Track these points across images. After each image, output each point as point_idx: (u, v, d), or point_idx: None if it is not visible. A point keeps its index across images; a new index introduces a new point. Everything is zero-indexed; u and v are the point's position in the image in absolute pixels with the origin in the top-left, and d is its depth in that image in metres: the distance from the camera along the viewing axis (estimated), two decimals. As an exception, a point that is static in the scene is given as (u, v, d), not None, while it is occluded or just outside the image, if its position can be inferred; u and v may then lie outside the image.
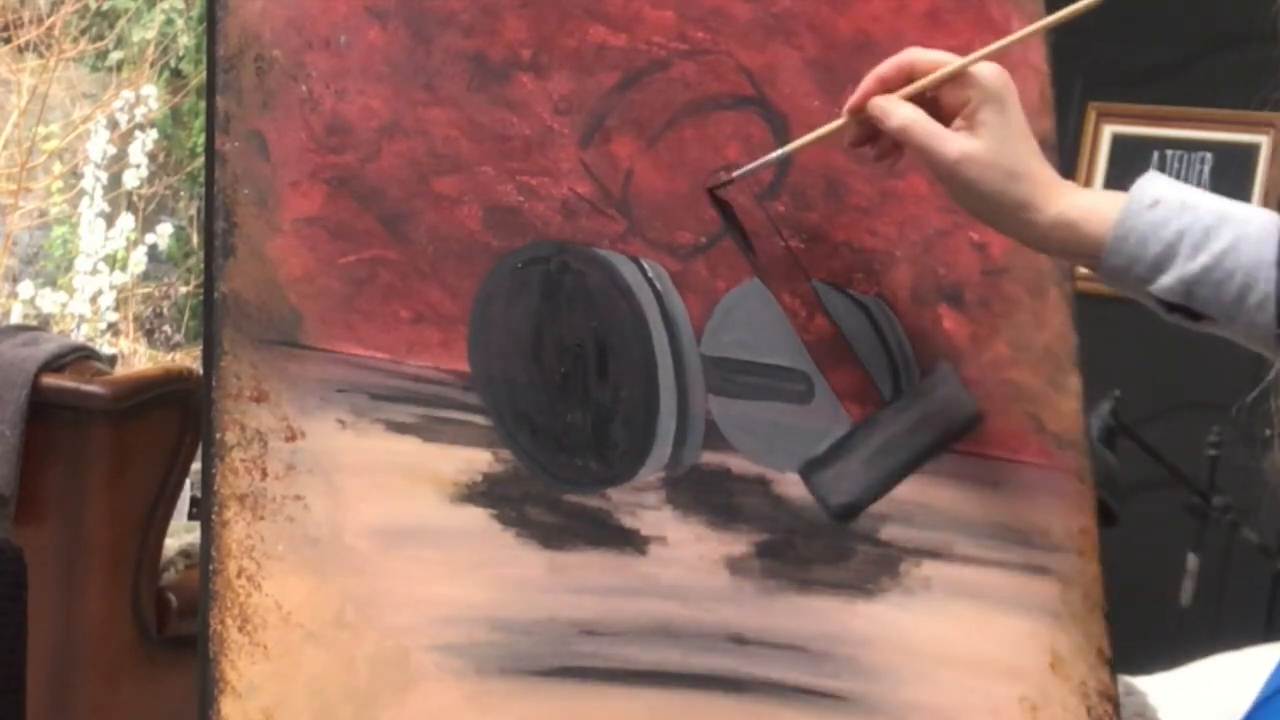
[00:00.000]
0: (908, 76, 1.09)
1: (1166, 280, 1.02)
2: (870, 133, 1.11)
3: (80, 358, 2.69)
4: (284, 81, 1.10)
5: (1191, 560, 3.09)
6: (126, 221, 4.52)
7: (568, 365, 1.14)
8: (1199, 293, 1.01)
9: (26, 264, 5.08)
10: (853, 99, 1.10)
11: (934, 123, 1.06)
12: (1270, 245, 0.98)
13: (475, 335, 1.12)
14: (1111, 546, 1.25)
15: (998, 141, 1.05)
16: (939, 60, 1.08)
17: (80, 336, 4.30)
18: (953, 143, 1.05)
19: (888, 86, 1.09)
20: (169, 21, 5.24)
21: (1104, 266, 1.05)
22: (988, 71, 1.07)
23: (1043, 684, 1.20)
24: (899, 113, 1.07)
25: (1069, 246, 1.07)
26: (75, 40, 4.98)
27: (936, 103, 1.08)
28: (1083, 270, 1.14)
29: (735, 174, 1.18)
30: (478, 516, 1.09)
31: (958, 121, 1.07)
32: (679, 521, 1.14)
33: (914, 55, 1.09)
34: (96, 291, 4.45)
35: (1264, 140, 3.28)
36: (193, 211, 5.39)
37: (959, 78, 1.07)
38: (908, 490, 1.20)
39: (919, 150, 1.07)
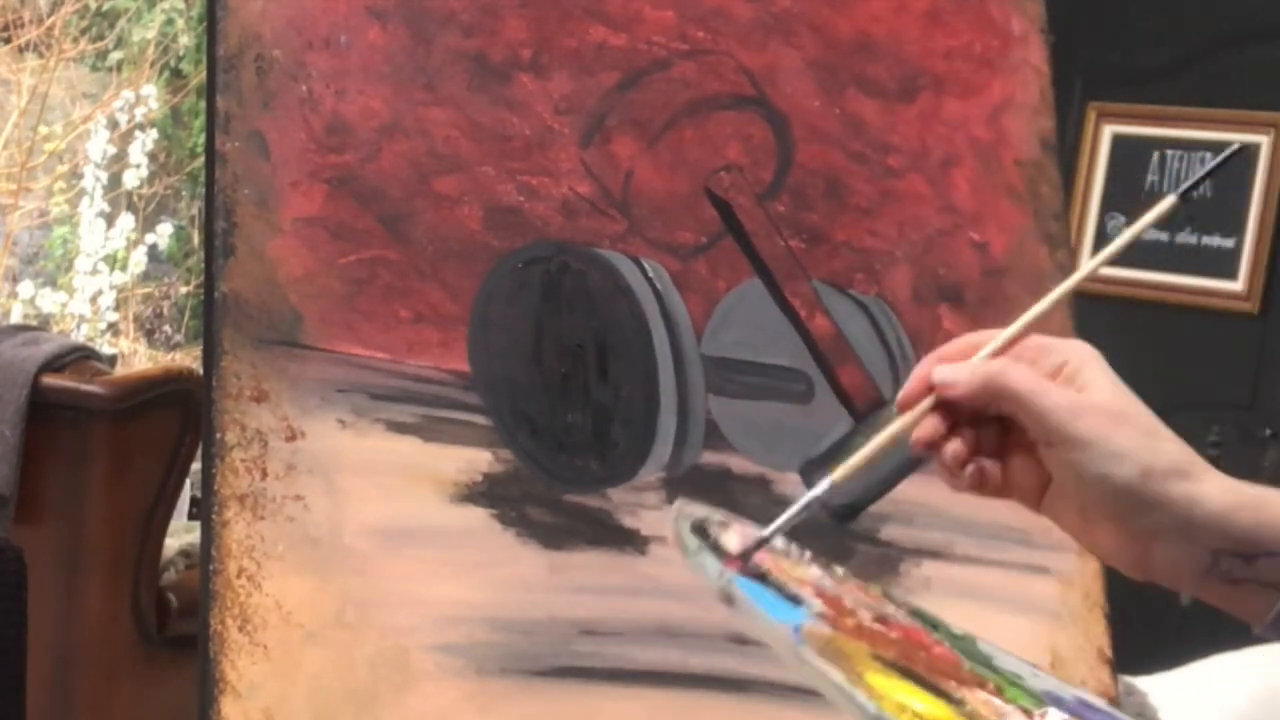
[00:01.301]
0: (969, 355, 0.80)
1: None
2: (941, 430, 0.79)
3: (80, 358, 2.69)
4: (284, 81, 1.10)
5: (1192, 560, 3.09)
6: (126, 221, 4.52)
7: (568, 365, 1.14)
8: None
9: (26, 264, 5.08)
10: (906, 388, 0.79)
11: (1027, 368, 0.77)
12: None
13: (475, 335, 1.12)
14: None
15: (1117, 394, 0.76)
16: (993, 335, 0.80)
17: (80, 336, 4.29)
18: (1060, 391, 0.76)
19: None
20: (169, 21, 5.24)
21: None
22: (1070, 341, 0.80)
23: (1043, 684, 1.20)
24: (974, 369, 0.77)
25: (1248, 545, 0.74)
26: (75, 40, 4.98)
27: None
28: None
29: (767, 532, 0.83)
30: (478, 516, 1.09)
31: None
32: (679, 521, 1.14)
33: (974, 336, 0.81)
34: (96, 291, 4.45)
35: (1264, 140, 3.28)
36: (193, 211, 5.39)
37: (1041, 348, 0.79)
38: (909, 490, 1.20)
39: (1018, 403, 0.76)
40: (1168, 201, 0.82)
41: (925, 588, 1.19)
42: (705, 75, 1.21)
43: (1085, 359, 0.78)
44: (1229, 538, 0.74)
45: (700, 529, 0.81)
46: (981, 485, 0.79)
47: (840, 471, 0.82)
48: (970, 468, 0.78)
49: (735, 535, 0.82)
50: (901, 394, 0.80)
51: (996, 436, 0.79)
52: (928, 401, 0.78)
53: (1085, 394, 0.76)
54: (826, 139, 1.22)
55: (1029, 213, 1.26)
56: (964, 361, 0.78)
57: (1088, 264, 0.83)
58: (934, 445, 0.79)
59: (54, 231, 5.07)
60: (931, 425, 0.78)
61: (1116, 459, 0.75)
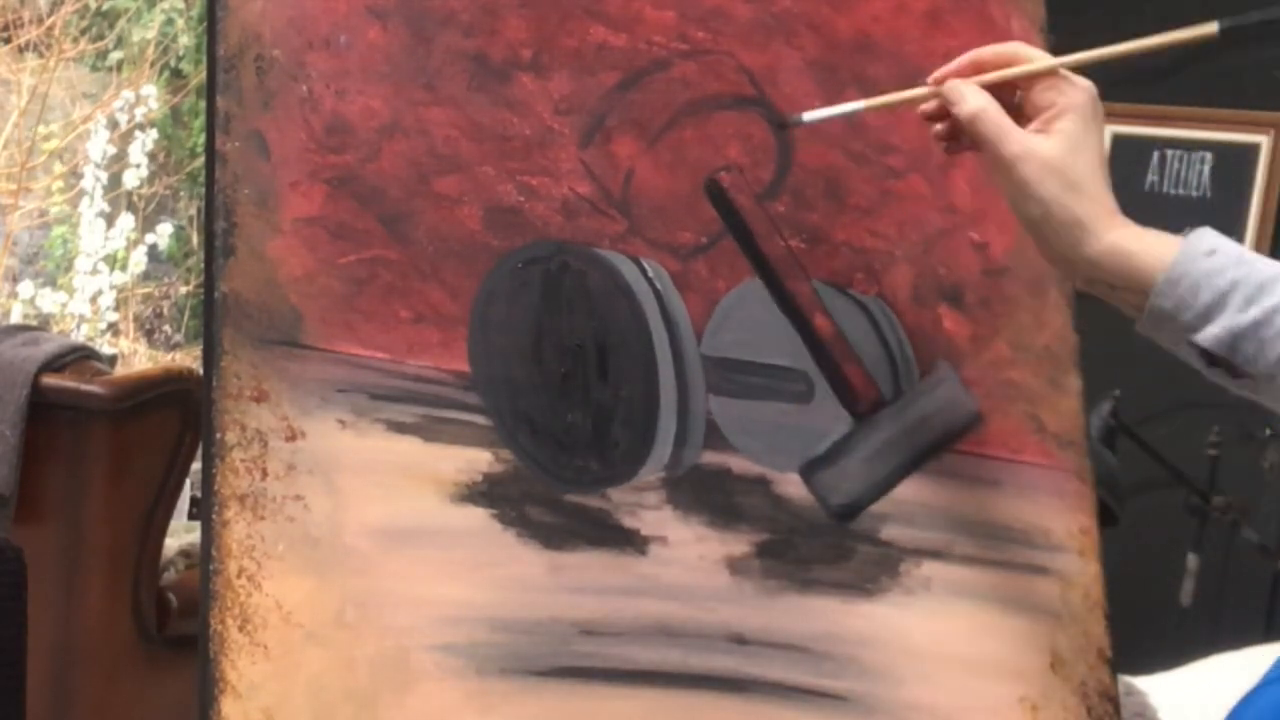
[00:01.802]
0: (1004, 65, 1.05)
1: (1213, 330, 0.96)
2: (945, 110, 1.07)
3: (80, 358, 2.69)
4: (284, 81, 1.10)
5: (1191, 560, 3.09)
6: (126, 221, 4.52)
7: (568, 365, 1.14)
8: (1243, 347, 0.96)
9: (26, 264, 5.08)
10: (941, 70, 1.07)
11: (1004, 116, 1.02)
12: None
13: (475, 335, 1.12)
14: (1111, 546, 1.25)
15: (1069, 150, 1.00)
16: (1035, 55, 1.05)
17: (80, 336, 4.29)
18: (1017, 140, 1.01)
19: (979, 69, 1.06)
20: (169, 21, 5.24)
21: (1149, 308, 0.99)
22: (1081, 83, 1.03)
23: (1043, 684, 1.20)
24: (972, 100, 1.03)
25: (1116, 279, 1.01)
26: (75, 40, 4.98)
27: (1027, 98, 1.04)
28: None
29: (806, 117, 1.15)
30: (478, 516, 1.09)
31: (1035, 124, 1.03)
32: (679, 521, 1.14)
33: (1015, 48, 1.06)
34: (96, 291, 4.45)
35: (1264, 140, 3.28)
36: (193, 211, 5.39)
37: (1051, 81, 1.03)
38: (908, 490, 1.20)
39: (983, 140, 1.03)
40: (1210, 26, 1.04)
41: (925, 588, 1.19)
42: (705, 75, 1.21)
43: (1068, 110, 1.01)
44: (1098, 274, 1.01)
45: None
46: (953, 140, 1.08)
47: (882, 100, 1.12)
48: (940, 127, 1.07)
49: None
50: (937, 73, 1.06)
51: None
52: (930, 91, 1.07)
53: (1041, 142, 1.00)
54: (826, 139, 1.22)
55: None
56: (972, 84, 1.03)
57: (1122, 46, 1.07)
58: (933, 118, 1.08)
59: (54, 231, 5.07)
60: (937, 106, 1.07)
61: (1031, 202, 1.01)
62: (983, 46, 1.06)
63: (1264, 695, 0.73)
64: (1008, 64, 1.05)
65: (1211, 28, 1.03)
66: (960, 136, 1.07)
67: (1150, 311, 0.99)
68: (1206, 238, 1.00)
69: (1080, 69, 1.05)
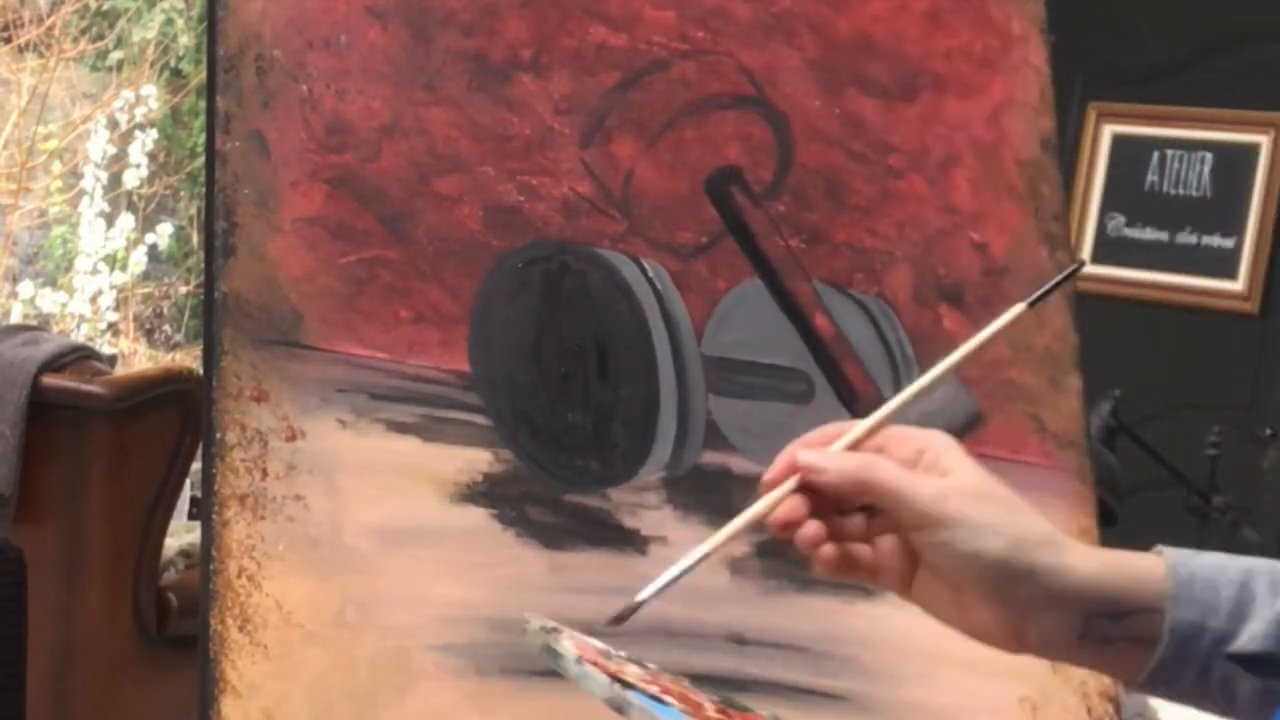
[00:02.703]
0: (829, 442, 0.81)
1: (1255, 626, 0.76)
2: (802, 514, 0.80)
3: (80, 358, 2.68)
4: (284, 81, 1.10)
5: (1191, 560, 3.09)
6: (126, 221, 4.52)
7: (568, 365, 1.14)
8: None
9: (26, 264, 5.07)
10: (770, 471, 0.80)
11: (893, 463, 0.79)
12: None
13: (475, 335, 1.12)
14: (1111, 546, 1.25)
15: (979, 478, 0.79)
16: (849, 426, 0.81)
17: (80, 336, 4.29)
18: (926, 481, 0.78)
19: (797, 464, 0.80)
20: (169, 21, 5.24)
21: (1171, 626, 0.77)
22: (928, 431, 0.82)
23: (1043, 684, 1.20)
24: (845, 458, 0.79)
25: (1120, 596, 0.78)
26: (75, 40, 4.98)
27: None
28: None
29: (639, 598, 0.87)
30: (478, 516, 1.09)
31: (919, 471, 0.80)
32: (679, 521, 1.14)
33: (832, 427, 0.82)
34: (96, 291, 4.44)
35: (1264, 140, 3.28)
36: (193, 211, 5.39)
37: (896, 436, 0.81)
38: (908, 490, 1.19)
39: (886, 494, 0.78)
40: (1018, 309, 0.87)
41: (925, 588, 1.19)
42: (705, 75, 1.21)
43: (944, 447, 0.80)
44: (1099, 600, 0.77)
45: (548, 648, 0.85)
46: (849, 569, 0.81)
47: (707, 548, 0.83)
48: (828, 548, 0.80)
49: (568, 641, 0.85)
50: (765, 476, 0.80)
51: (863, 522, 0.80)
52: (790, 483, 0.79)
53: (949, 479, 0.78)
54: (827, 139, 1.22)
55: (1029, 213, 1.26)
56: (828, 449, 0.79)
57: (935, 369, 0.86)
58: (791, 526, 0.79)
59: (54, 231, 5.07)
60: (792, 506, 0.79)
61: (986, 534, 0.77)
62: (789, 446, 0.80)
63: None
64: (835, 437, 0.81)
65: (1019, 308, 0.88)
66: (849, 532, 0.80)
67: (1172, 633, 0.77)
68: (1168, 550, 0.81)
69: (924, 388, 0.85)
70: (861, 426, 0.81)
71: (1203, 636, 0.77)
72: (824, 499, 0.79)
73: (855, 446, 0.80)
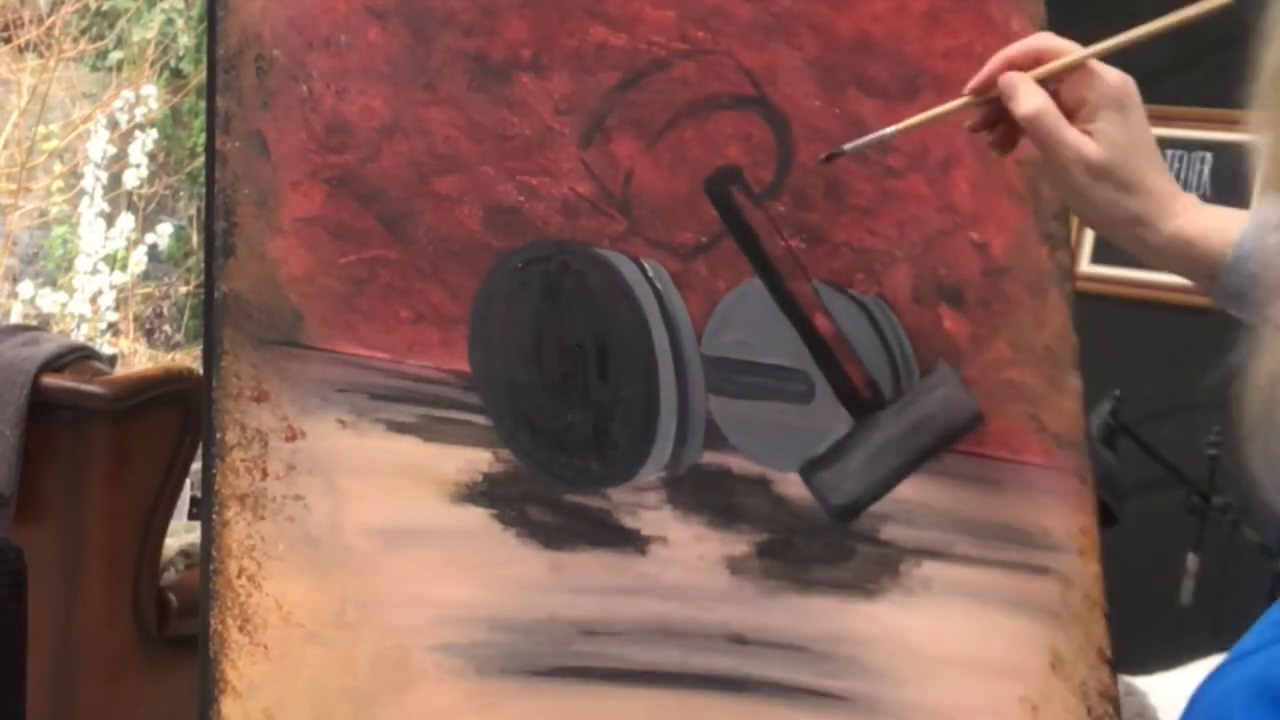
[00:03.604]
0: (1035, 61, 1.03)
1: None
2: (991, 116, 1.05)
3: (80, 358, 2.69)
4: (284, 81, 1.10)
5: (1191, 560, 3.09)
6: (126, 221, 4.52)
7: (568, 365, 1.14)
8: None
9: (26, 264, 5.08)
10: (977, 78, 1.05)
11: (1060, 117, 1.00)
12: None
13: (475, 335, 1.12)
14: (1111, 546, 1.25)
15: (1115, 150, 1.00)
16: (1066, 48, 1.03)
17: (80, 336, 4.29)
18: (1068, 144, 1.00)
19: (1012, 69, 1.04)
20: (169, 21, 5.24)
21: (1219, 287, 0.99)
22: (1111, 74, 1.02)
23: (1043, 684, 1.20)
24: (1030, 99, 1.01)
25: (1184, 265, 1.01)
26: (75, 40, 4.98)
27: (1057, 97, 1.02)
28: (1083, 270, 1.10)
29: (847, 147, 1.13)
30: (478, 516, 1.09)
31: (1076, 123, 1.01)
32: (679, 521, 1.14)
33: (1043, 40, 1.04)
34: (96, 291, 4.45)
35: (1264, 140, 3.27)
36: (193, 211, 5.39)
37: (1081, 76, 1.01)
38: (908, 490, 1.20)
39: (1041, 142, 1.01)
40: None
41: (925, 588, 1.19)
42: (705, 75, 1.21)
43: (1104, 104, 1.00)
44: (1164, 266, 1.02)
45: None
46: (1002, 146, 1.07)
47: (916, 119, 1.09)
48: (990, 132, 1.06)
49: None
50: (973, 82, 1.05)
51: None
52: (969, 100, 1.05)
53: (1087, 145, 0.99)
54: (827, 139, 1.22)
55: (1029, 213, 1.26)
56: (1028, 79, 1.01)
57: (1146, 26, 1.06)
58: (979, 128, 1.06)
59: (54, 231, 5.07)
60: (981, 114, 1.06)
61: (1086, 205, 1.01)
62: (1009, 46, 1.04)
63: (1228, 675, 0.71)
64: (1038, 59, 1.03)
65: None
66: (1014, 136, 1.05)
67: (1221, 292, 0.98)
68: (1274, 212, 0.98)
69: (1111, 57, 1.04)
70: (1064, 61, 1.02)
71: (1244, 297, 0.96)
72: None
73: (1050, 77, 1.02)
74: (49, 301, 4.37)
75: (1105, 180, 1.00)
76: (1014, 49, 1.03)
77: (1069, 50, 1.03)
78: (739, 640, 1.14)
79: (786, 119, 1.22)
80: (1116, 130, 1.00)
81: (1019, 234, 1.27)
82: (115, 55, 5.30)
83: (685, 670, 1.12)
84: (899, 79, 1.26)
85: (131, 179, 4.60)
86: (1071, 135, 1.00)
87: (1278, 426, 0.68)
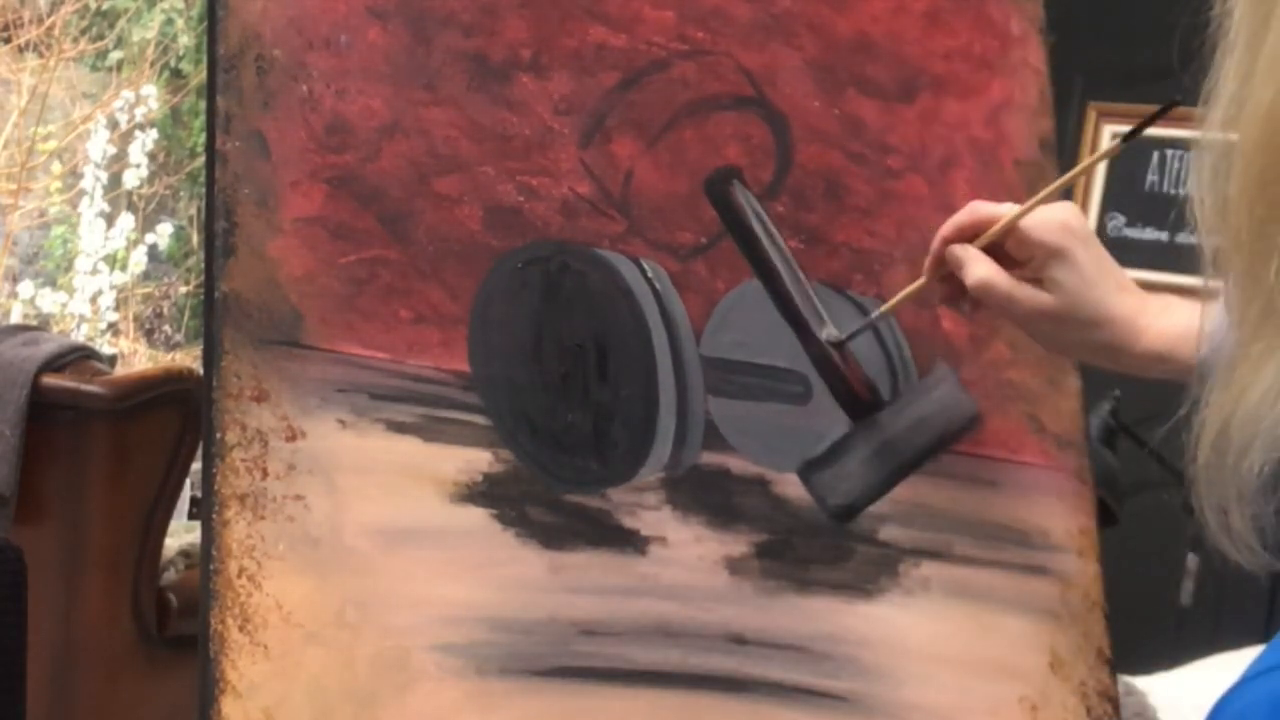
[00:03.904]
0: (973, 232, 1.06)
1: None
2: (957, 287, 1.07)
3: (80, 358, 2.69)
4: (284, 81, 1.10)
5: (1191, 560, 3.09)
6: (126, 221, 4.52)
7: (568, 365, 1.14)
8: None
9: (26, 264, 5.08)
10: (928, 260, 1.08)
11: (1006, 280, 1.03)
12: None
13: (475, 335, 1.12)
14: (1111, 546, 1.25)
15: (1068, 295, 1.02)
16: (997, 213, 1.04)
17: (80, 336, 4.29)
18: (1022, 303, 1.02)
19: (956, 241, 1.06)
20: (169, 21, 5.24)
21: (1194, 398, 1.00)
22: (1045, 227, 1.03)
23: (1043, 684, 1.20)
24: (974, 270, 1.03)
25: (1166, 374, 1.01)
26: (75, 40, 4.98)
27: (1005, 255, 1.05)
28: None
29: (846, 336, 1.16)
30: (478, 516, 1.09)
31: (1026, 273, 1.03)
32: (679, 522, 1.14)
33: (975, 209, 1.06)
34: (96, 291, 4.45)
35: (1264, 140, 3.27)
36: (193, 211, 5.39)
37: (1020, 234, 1.03)
38: (908, 490, 1.20)
39: (997, 307, 1.04)
40: (1115, 145, 1.10)
41: (924, 588, 1.19)
42: (705, 75, 1.21)
43: (1048, 257, 1.01)
44: (1144, 367, 1.03)
45: None
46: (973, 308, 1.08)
47: (894, 301, 1.12)
48: (968, 299, 1.06)
49: None
50: (927, 263, 1.07)
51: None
52: (929, 280, 1.08)
53: (1042, 299, 1.01)
54: (826, 139, 1.22)
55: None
56: (971, 250, 1.03)
57: (1076, 169, 1.12)
58: (950, 301, 1.09)
59: (54, 231, 5.07)
60: (947, 289, 1.08)
61: (1059, 348, 1.08)
62: (946, 222, 1.06)
63: (1250, 690, 0.72)
64: (975, 227, 1.05)
65: (1115, 146, 1.10)
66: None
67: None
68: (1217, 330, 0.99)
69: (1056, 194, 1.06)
70: (998, 227, 1.04)
71: None
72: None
73: (992, 242, 1.04)
74: (49, 301, 4.37)
75: (1065, 324, 1.02)
76: (950, 223, 1.06)
77: (1001, 215, 1.04)
78: (738, 640, 1.14)
79: (786, 119, 1.22)
80: (1064, 275, 1.02)
81: (1018, 234, 1.27)
82: (115, 55, 5.30)
83: (685, 670, 1.13)
84: (898, 79, 1.26)
85: (131, 179, 4.60)
86: (1023, 293, 1.02)
87: (1227, 475, 0.68)
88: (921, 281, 1.09)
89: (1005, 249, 1.04)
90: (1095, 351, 1.04)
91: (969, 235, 1.05)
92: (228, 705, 0.99)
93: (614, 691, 1.10)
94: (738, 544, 1.16)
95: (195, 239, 5.32)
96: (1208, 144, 0.69)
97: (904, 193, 1.24)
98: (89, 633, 2.63)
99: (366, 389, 1.08)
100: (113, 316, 4.57)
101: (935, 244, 1.07)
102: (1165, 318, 1.03)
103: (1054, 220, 1.03)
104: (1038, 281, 1.02)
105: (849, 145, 1.23)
